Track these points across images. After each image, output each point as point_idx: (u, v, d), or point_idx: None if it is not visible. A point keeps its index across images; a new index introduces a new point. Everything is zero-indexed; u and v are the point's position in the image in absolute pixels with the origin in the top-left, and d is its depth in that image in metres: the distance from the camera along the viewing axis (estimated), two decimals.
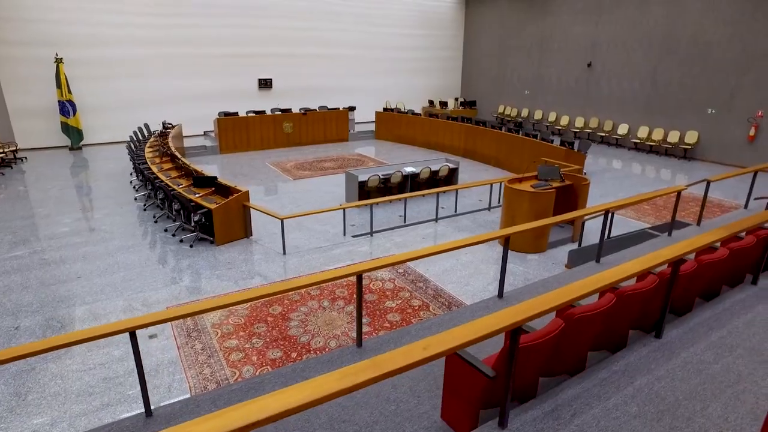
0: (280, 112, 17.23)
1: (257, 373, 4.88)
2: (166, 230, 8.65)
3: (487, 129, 14.97)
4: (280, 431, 2.73)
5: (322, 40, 19.83)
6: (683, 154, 14.98)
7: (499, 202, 10.09)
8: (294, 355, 5.21)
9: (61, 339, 2.68)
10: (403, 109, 19.32)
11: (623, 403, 2.58)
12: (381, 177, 10.97)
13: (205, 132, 18.02)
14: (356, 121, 20.09)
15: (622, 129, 16.59)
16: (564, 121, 18.72)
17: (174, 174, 9.94)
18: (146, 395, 3.07)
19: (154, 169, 10.24)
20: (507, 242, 4.25)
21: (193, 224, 8.07)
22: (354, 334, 5.55)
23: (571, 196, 8.49)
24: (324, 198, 11.20)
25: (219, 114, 16.24)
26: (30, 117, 15.08)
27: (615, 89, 16.85)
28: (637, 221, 9.37)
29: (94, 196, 10.91)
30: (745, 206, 7.39)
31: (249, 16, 17.98)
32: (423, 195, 10.51)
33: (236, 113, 16.43)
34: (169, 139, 12.49)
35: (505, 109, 21.56)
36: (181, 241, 8.18)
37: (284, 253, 7.78)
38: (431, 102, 22.78)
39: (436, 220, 9.47)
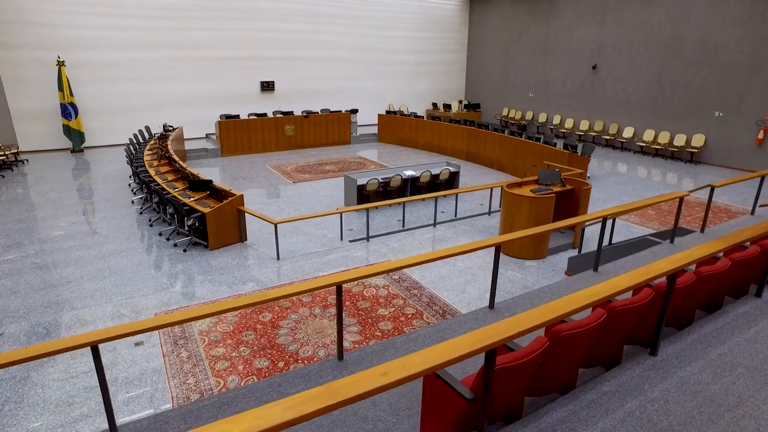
0: (281, 115, 17.16)
1: (242, 384, 4.75)
2: (160, 234, 8.56)
3: (489, 132, 14.79)
4: None
5: (325, 43, 19.76)
6: (690, 157, 14.70)
7: (499, 207, 9.91)
8: (281, 364, 5.07)
9: (16, 354, 2.55)
10: (406, 112, 19.18)
11: (611, 429, 2.41)
12: (380, 181, 10.84)
13: (207, 134, 17.98)
14: (359, 123, 19.99)
15: (628, 132, 16.34)
16: (569, 124, 18.48)
17: (170, 177, 9.86)
18: (110, 412, 2.93)
19: (152, 172, 10.17)
20: (498, 251, 4.08)
21: (186, 228, 7.96)
22: (344, 343, 5.40)
23: (572, 201, 8.29)
24: (323, 202, 11.09)
25: (220, 117, 16.20)
26: (32, 119, 15.11)
27: (620, 92, 16.61)
28: (641, 227, 9.15)
29: (91, 199, 10.86)
30: (752, 212, 7.16)
31: (251, 19, 17.95)
32: (422, 199, 10.38)
33: (237, 116, 16.38)
34: (169, 142, 12.43)
35: (509, 112, 21.36)
36: (175, 245, 8.07)
37: (278, 258, 7.66)
38: (435, 105, 22.63)
39: (435, 225, 9.31)
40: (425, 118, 17.81)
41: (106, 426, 4.02)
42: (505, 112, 21.50)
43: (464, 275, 7.08)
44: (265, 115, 16.98)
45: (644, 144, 15.65)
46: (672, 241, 5.79)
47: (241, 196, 8.23)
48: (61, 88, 14.75)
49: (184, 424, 2.94)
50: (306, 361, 5.11)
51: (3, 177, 12.48)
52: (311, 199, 11.37)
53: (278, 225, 7.95)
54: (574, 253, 7.79)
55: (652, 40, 15.35)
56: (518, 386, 2.50)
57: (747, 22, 13.06)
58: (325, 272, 7.24)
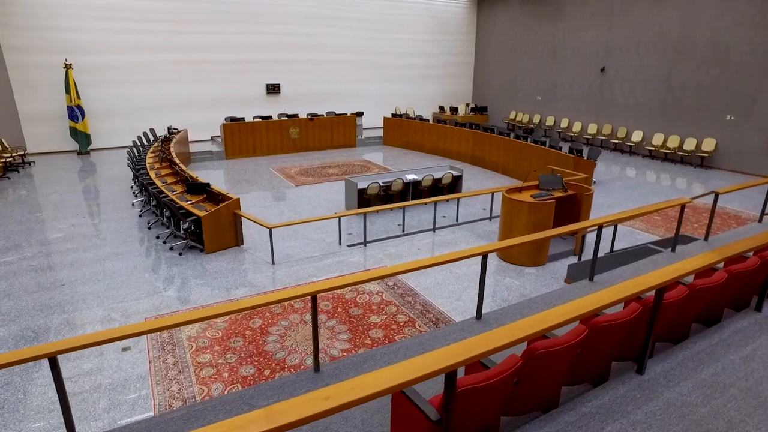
0: (286, 118, 17.14)
1: (225, 392, 4.66)
2: (158, 237, 8.54)
3: (494, 135, 14.62)
4: None
5: (331, 46, 19.74)
6: (700, 162, 14.37)
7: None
8: (267, 372, 4.98)
9: None
10: (412, 115, 19.07)
11: None
12: (381, 184, 10.72)
13: (212, 137, 18.03)
14: (365, 126, 19.92)
15: (636, 136, 16.04)
16: (576, 127, 18.22)
17: (170, 180, 9.85)
18: (71, 424, 2.85)
19: (152, 174, 10.17)
20: (485, 259, 3.94)
21: (182, 232, 7.93)
22: (333, 351, 5.30)
23: (574, 206, 8.10)
24: (324, 205, 11.01)
25: (225, 119, 16.23)
26: (40, 122, 15.28)
27: (629, 95, 16.32)
28: (646, 233, 8.92)
29: (93, 201, 10.90)
30: (759, 220, 6.92)
31: (258, 22, 17.99)
32: (424, 204, 10.24)
33: (242, 118, 16.40)
34: (171, 145, 12.46)
35: (516, 115, 21.13)
36: (172, 248, 8.04)
37: (273, 262, 7.58)
38: (441, 108, 22.47)
39: (434, 230, 9.17)
40: (431, 122, 17.67)
41: None
42: (512, 116, 21.27)
43: (461, 282, 6.93)
44: (270, 117, 16.98)
45: (653, 148, 15.35)
46: (673, 250, 5.59)
47: (238, 200, 8.18)
48: (68, 90, 14.89)
49: None
50: (292, 370, 5.02)
51: (9, 179, 12.61)
52: (313, 203, 11.30)
53: (275, 229, 7.89)
54: (575, 260, 7.60)
55: (661, 42, 15.07)
56: (490, 406, 2.36)
57: (759, 23, 12.73)
58: (319, 278, 7.15)
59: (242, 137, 16.22)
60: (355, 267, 7.55)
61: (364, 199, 10.63)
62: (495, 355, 2.49)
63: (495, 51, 21.98)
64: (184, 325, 3.01)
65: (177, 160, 10.75)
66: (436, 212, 9.27)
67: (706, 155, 14.12)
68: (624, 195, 11.55)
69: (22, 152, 13.95)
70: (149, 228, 9.02)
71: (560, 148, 12.56)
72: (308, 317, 6.00)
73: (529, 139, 13.55)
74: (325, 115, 17.98)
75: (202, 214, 7.75)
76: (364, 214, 8.59)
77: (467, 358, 1.92)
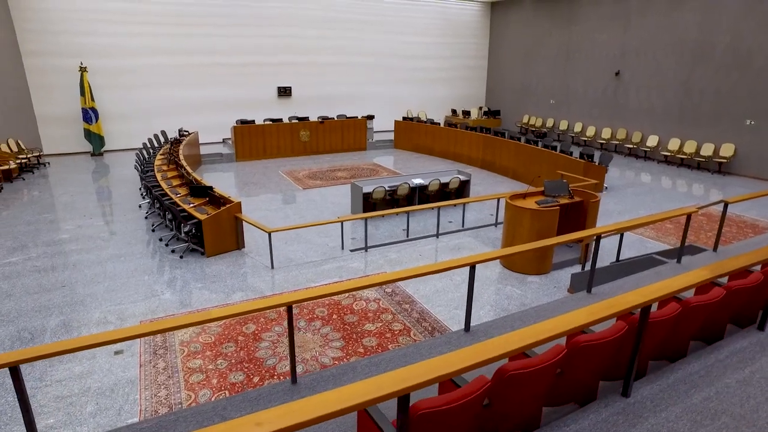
0: (297, 121, 17.18)
1: (212, 399, 4.61)
2: (161, 239, 8.58)
3: (504, 140, 14.41)
4: None
5: (343, 49, 19.76)
6: (718, 168, 13.94)
7: None
8: (256, 379, 4.92)
9: None
10: (424, 119, 18.95)
11: None
12: (387, 189, 10.61)
13: (224, 139, 18.17)
14: (376, 129, 19.88)
15: (652, 141, 15.65)
16: (590, 131, 17.87)
17: (176, 182, 9.91)
18: None
19: (159, 176, 10.26)
20: (473, 270, 3.82)
21: (183, 234, 7.95)
22: (324, 359, 5.22)
23: (580, 213, 7.89)
24: (330, 209, 10.96)
25: (236, 122, 16.34)
26: (56, 124, 15.59)
27: (644, 99, 15.94)
28: (656, 242, 8.65)
29: (101, 203, 11.04)
30: None
31: (270, 25, 18.09)
32: (431, 208, 10.11)
33: (253, 121, 16.48)
34: (180, 147, 12.56)
35: (529, 119, 20.85)
36: (173, 251, 8.07)
37: (272, 267, 7.54)
38: (454, 111, 22.31)
39: (437, 236, 9.04)
40: (441, 125, 17.52)
41: None
42: (525, 120, 21.00)
43: (460, 290, 6.79)
44: (280, 120, 17.04)
45: (669, 153, 14.95)
46: (679, 261, 5.37)
47: (239, 204, 8.17)
48: (83, 93, 15.16)
49: None
50: (281, 378, 4.94)
51: (23, 179, 12.86)
52: (319, 206, 11.26)
53: (278, 233, 7.86)
54: (579, 268, 7.40)
55: (678, 45, 14.69)
56: (458, 428, 2.24)
57: None
58: (317, 283, 7.08)
59: (252, 140, 16.30)
60: (354, 273, 7.47)
61: (369, 204, 10.55)
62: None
63: (508, 54, 21.73)
64: (148, 335, 2.95)
65: (184, 163, 10.82)
66: (439, 218, 9.13)
67: (725, 161, 13.69)
68: (636, 201, 11.24)
69: (38, 153, 14.22)
70: (153, 230, 9.08)
71: (571, 153, 12.31)
72: (302, 323, 5.93)
73: (539, 144, 13.32)
74: (335, 118, 17.98)
75: (203, 217, 7.76)
76: (365, 219, 8.50)
77: (420, 383, 1.81)
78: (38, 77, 15.06)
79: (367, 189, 10.42)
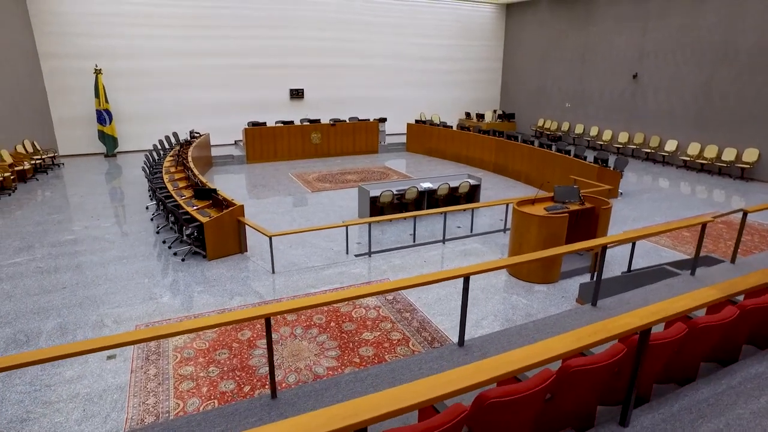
0: (308, 123, 17.13)
1: (200, 409, 4.49)
2: (164, 242, 8.54)
3: (517, 143, 14.12)
4: None
5: (356, 51, 19.67)
6: (740, 173, 13.42)
7: None
8: (247, 389, 4.78)
9: None
10: (437, 122, 18.74)
11: None
12: (395, 192, 10.44)
13: (236, 141, 18.23)
14: (389, 132, 19.74)
15: (670, 145, 15.16)
16: (607, 136, 17.42)
17: (182, 184, 9.90)
18: None
19: (166, 178, 10.27)
20: (467, 282, 3.62)
21: (185, 237, 7.89)
22: (318, 369, 5.06)
23: (591, 220, 7.60)
24: (337, 212, 10.84)
25: (248, 124, 16.36)
26: (71, 125, 15.82)
27: (663, 102, 15.46)
28: (672, 250, 8.29)
29: (110, 204, 11.09)
30: None
31: (282, 27, 18.11)
32: (440, 213, 9.90)
33: (264, 123, 16.48)
34: (190, 149, 12.59)
35: (544, 122, 20.46)
36: (175, 254, 8.02)
37: (273, 271, 7.42)
38: (468, 114, 22.02)
39: (444, 241, 8.82)
40: (454, 128, 17.28)
41: None
42: (540, 123, 20.62)
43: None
44: (291, 122, 17.01)
45: (688, 158, 14.46)
46: (693, 273, 5.08)
47: (242, 207, 8.08)
48: (97, 95, 15.35)
49: None
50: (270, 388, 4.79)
51: (37, 180, 13.03)
52: (326, 210, 11.15)
53: (283, 237, 7.75)
54: (589, 278, 7.11)
55: (699, 46, 14.21)
56: None
57: None
58: (317, 289, 6.94)
59: (263, 142, 16.30)
60: (356, 279, 7.30)
61: (377, 208, 10.39)
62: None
63: (523, 56, 21.39)
64: (125, 346, 2.83)
65: (191, 165, 10.81)
66: (446, 223, 8.92)
67: (748, 166, 13.17)
68: (652, 208, 10.85)
69: (53, 154, 14.42)
70: (158, 232, 9.06)
71: (585, 158, 11.98)
72: (299, 330, 5.79)
73: (553, 148, 13.00)
74: (347, 121, 17.88)
75: (205, 220, 7.69)
76: (369, 223, 8.33)
77: (375, 416, 1.63)
78: (55, 79, 15.30)
79: (374, 193, 10.26)
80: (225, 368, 5.10)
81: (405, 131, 18.84)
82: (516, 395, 2.10)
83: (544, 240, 6.82)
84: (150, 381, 4.90)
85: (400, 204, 10.81)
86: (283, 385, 4.84)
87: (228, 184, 13.69)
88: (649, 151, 15.73)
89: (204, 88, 17.39)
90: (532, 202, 7.61)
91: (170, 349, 5.44)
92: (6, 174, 11.56)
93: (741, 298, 3.67)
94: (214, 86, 17.55)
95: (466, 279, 3.60)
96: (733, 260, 5.41)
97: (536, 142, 13.79)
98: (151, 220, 9.80)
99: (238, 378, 4.94)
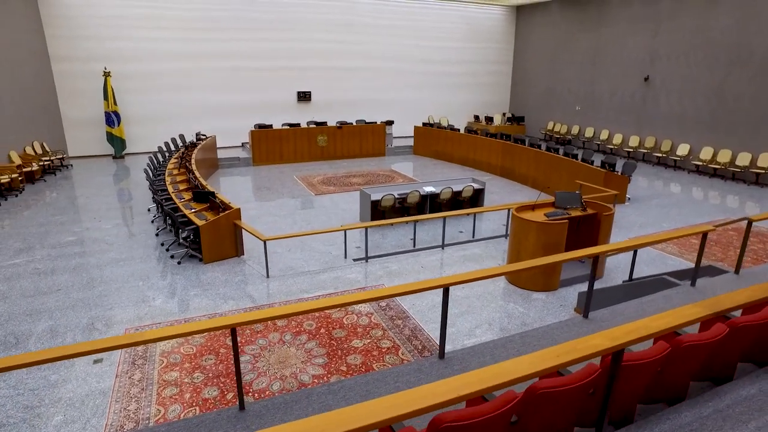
0: (315, 126, 17.11)
1: (181, 416, 4.42)
2: (162, 244, 8.55)
3: (524, 147, 13.91)
4: None
5: (363, 53, 19.62)
6: (755, 179, 13.02)
7: None
8: (230, 396, 4.70)
9: None
10: (445, 124, 18.59)
11: None
12: (396, 196, 10.32)
13: (243, 143, 18.29)
14: (397, 135, 19.65)
15: (682, 149, 14.80)
16: (617, 139, 17.09)
17: (182, 187, 9.91)
18: None
19: (168, 180, 10.29)
20: (446, 293, 3.49)
21: (181, 240, 7.87)
22: (303, 377, 4.96)
23: (593, 227, 7.39)
24: (339, 216, 10.76)
25: (254, 126, 16.39)
26: (80, 127, 16.02)
27: (675, 105, 15.11)
28: (679, 258, 8.03)
29: (114, 205, 11.16)
30: None
31: (290, 30, 18.14)
32: (443, 217, 9.75)
33: (270, 126, 16.50)
34: (195, 151, 12.63)
35: (554, 125, 20.17)
36: (172, 256, 8.00)
37: (267, 276, 7.36)
38: (477, 117, 21.83)
39: (443, 247, 8.68)
40: (461, 131, 17.11)
41: None
42: (550, 126, 20.33)
43: (459, 305, 6.43)
44: (298, 125, 17.00)
45: (701, 163, 14.09)
46: (693, 284, 4.87)
47: (238, 210, 8.04)
48: (106, 97, 15.52)
49: None
50: (257, 395, 4.72)
51: (45, 181, 13.19)
52: (328, 213, 11.08)
53: (277, 241, 7.71)
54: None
55: (712, 48, 13.85)
56: None
57: None
58: (310, 294, 6.85)
59: (270, 144, 16.31)
60: (350, 284, 7.20)
61: (378, 212, 10.28)
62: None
63: (533, 59, 21.13)
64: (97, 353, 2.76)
65: (194, 167, 10.83)
66: (445, 228, 8.77)
67: (763, 172, 12.78)
68: (660, 214, 10.56)
69: (61, 156, 14.59)
70: (157, 234, 9.07)
71: (592, 162, 11.73)
72: (288, 336, 5.70)
73: (560, 151, 12.76)
74: (354, 124, 17.82)
75: (201, 223, 7.66)
76: (365, 228, 8.23)
77: None
78: (65, 81, 15.51)
79: (375, 197, 10.16)
80: (210, 374, 5.03)
81: (412, 134, 18.71)
82: (474, 419, 1.97)
83: (543, 247, 6.64)
84: (134, 386, 4.85)
85: (401, 208, 10.70)
86: (267, 392, 4.76)
87: (233, 186, 13.71)
88: (660, 155, 15.38)
89: (212, 90, 17.49)
90: (533, 207, 7.43)
91: (157, 353, 5.40)
92: (14, 175, 11.71)
93: (739, 312, 3.49)
94: (222, 88, 17.64)
95: (446, 290, 3.47)
96: (737, 271, 5.18)
97: (543, 146, 13.56)
98: (152, 222, 9.82)
99: (222, 385, 4.87)
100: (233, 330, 2.92)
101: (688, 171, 14.66)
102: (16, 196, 11.63)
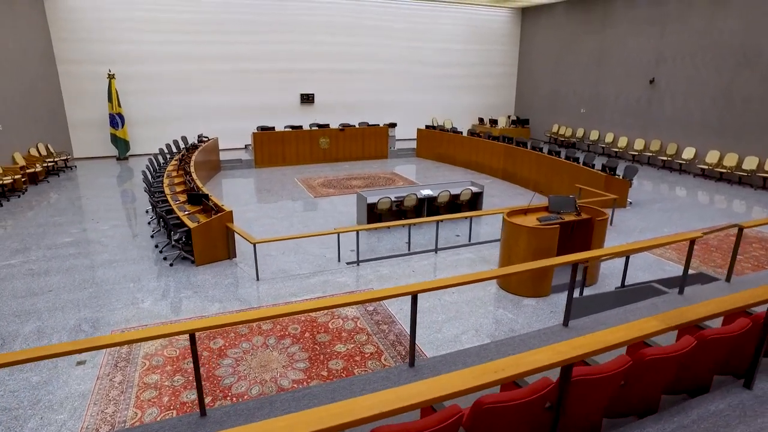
0: (317, 128, 17.12)
1: (158, 419, 4.40)
2: (156, 246, 8.58)
3: (526, 150, 13.77)
4: None
5: (366, 55, 19.61)
6: (762, 183, 12.75)
7: None
8: (208, 400, 4.68)
9: None
10: (449, 127, 18.48)
11: None
12: (393, 199, 10.26)
13: (246, 145, 18.34)
14: (401, 137, 19.56)
15: (688, 153, 14.54)
16: (622, 142, 16.85)
17: (179, 188, 9.95)
18: None
19: (166, 182, 10.35)
20: (414, 301, 3.43)
21: (173, 242, 7.89)
22: (283, 382, 4.93)
23: (588, 232, 7.27)
24: (337, 218, 10.74)
25: (257, 128, 16.45)
26: (85, 128, 16.21)
27: (680, 108, 14.86)
28: (677, 264, 7.85)
29: (113, 207, 11.24)
30: None
31: (293, 32, 18.19)
32: (440, 221, 9.67)
33: (273, 128, 16.53)
34: (195, 153, 12.69)
35: (559, 128, 19.96)
36: (165, 258, 8.03)
37: (257, 278, 7.34)
38: (481, 120, 21.69)
39: (436, 251, 8.60)
40: (464, 134, 17.00)
41: None
42: (555, 129, 20.13)
43: (447, 311, 6.35)
44: (300, 127, 17.02)
45: (706, 167, 13.83)
46: (681, 292, 4.75)
47: (230, 213, 8.04)
48: (110, 99, 15.69)
49: None
50: (234, 399, 4.69)
51: (48, 182, 13.35)
52: (326, 216, 11.06)
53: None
54: (587, 291, 6.78)
55: (720, 50, 13.60)
56: None
57: None
58: (299, 297, 6.82)
59: (272, 146, 16.35)
60: (340, 288, 7.16)
61: (375, 215, 10.24)
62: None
63: (538, 61, 20.95)
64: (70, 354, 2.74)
65: (192, 169, 10.88)
66: (438, 232, 8.71)
67: None
68: (662, 219, 10.37)
69: (65, 157, 14.76)
70: (152, 236, 9.11)
71: (593, 165, 11.57)
72: (272, 340, 5.67)
73: (562, 155, 12.61)
74: (357, 126, 17.80)
75: (193, 225, 7.67)
76: (357, 231, 8.18)
77: None
78: (71, 83, 15.71)
79: (372, 199, 10.12)
80: (191, 378, 5.01)
81: (416, 136, 18.65)
82: None
83: (533, 252, 6.54)
84: (114, 389, 4.85)
85: (398, 211, 10.64)
86: (245, 396, 4.72)
87: (234, 188, 13.76)
88: (665, 158, 15.13)
89: (215, 92, 17.60)
90: (525, 212, 7.33)
91: (140, 356, 5.40)
92: (16, 176, 11.86)
93: (710, 325, 3.38)
94: (225, 90, 17.74)
95: (414, 297, 3.41)
96: (728, 279, 5.04)
97: (545, 149, 13.42)
98: (149, 224, 9.88)
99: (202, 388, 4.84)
100: (192, 336, 2.88)
101: (694, 175, 14.40)
102: (19, 197, 11.78)
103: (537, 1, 19.86)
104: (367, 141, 17.81)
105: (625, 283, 6.45)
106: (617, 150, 16.90)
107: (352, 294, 6.85)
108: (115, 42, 15.87)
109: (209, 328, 2.94)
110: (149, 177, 10.83)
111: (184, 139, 15.36)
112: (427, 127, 18.44)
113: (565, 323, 4.16)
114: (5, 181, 11.38)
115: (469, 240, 9.31)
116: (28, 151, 13.52)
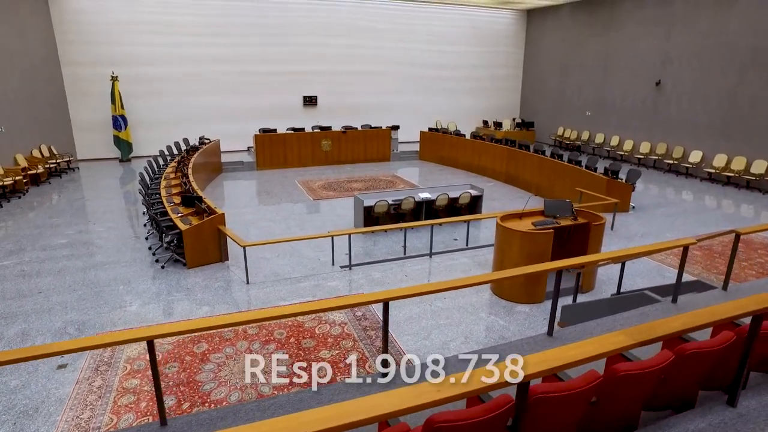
0: (319, 130, 17.06)
1: (134, 424, 4.32)
2: (150, 248, 8.54)
3: (528, 153, 13.60)
4: None
5: (370, 58, 19.55)
6: None
7: None
8: (185, 405, 4.59)
9: None
10: (452, 130, 18.34)
11: None
12: (390, 203, 10.14)
13: (248, 147, 18.33)
14: (404, 140, 19.45)
15: (694, 156, 14.26)
16: (627, 145, 16.59)
17: (175, 190, 9.92)
18: None
19: (164, 184, 10.34)
20: (386, 309, 3.31)
21: (165, 245, 7.84)
22: (263, 389, 4.82)
23: (586, 236, 7.09)
24: (334, 221, 10.66)
25: (259, 130, 16.43)
26: (89, 130, 16.31)
27: (687, 111, 14.58)
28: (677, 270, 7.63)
29: (111, 208, 11.24)
30: None
31: (297, 34, 18.18)
32: (417, 226, 9.55)
33: (275, 130, 16.50)
34: (194, 155, 12.69)
35: (564, 131, 19.72)
36: (157, 261, 7.98)
37: (247, 282, 7.26)
38: (485, 122, 21.50)
39: (431, 255, 8.46)
40: (467, 137, 16.84)
41: None
42: (560, 132, 19.89)
43: (436, 317, 6.21)
44: (303, 129, 16.98)
45: (713, 170, 13.54)
46: (674, 300, 4.57)
47: (222, 215, 7.98)
48: (113, 101, 15.77)
49: None
50: (212, 405, 4.59)
51: (50, 183, 13.42)
52: (324, 218, 10.98)
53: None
54: (580, 298, 6.61)
55: (727, 52, 13.32)
56: None
57: None
58: (287, 301, 6.73)
59: (274, 149, 16.32)
60: (330, 292, 7.05)
61: (372, 218, 10.12)
62: None
63: (544, 63, 20.74)
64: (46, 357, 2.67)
65: (189, 171, 10.85)
66: (432, 236, 8.56)
67: None
68: (665, 224, 10.13)
69: (68, 159, 14.84)
70: (147, 238, 9.08)
71: (595, 169, 11.36)
72: (256, 345, 5.57)
73: (564, 158, 12.42)
74: (359, 128, 17.72)
75: (185, 227, 7.62)
76: (349, 235, 8.08)
77: None
78: (75, 85, 15.82)
79: (368, 203, 10.00)
80: (171, 382, 4.93)
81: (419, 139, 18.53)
82: None
83: (526, 257, 6.38)
84: (92, 393, 4.78)
85: (396, 214, 10.51)
86: (224, 402, 4.63)
87: (234, 190, 13.74)
88: (671, 162, 14.85)
89: (218, 94, 17.63)
90: (520, 216, 7.18)
91: (122, 359, 5.33)
92: (18, 177, 11.92)
93: (699, 336, 3.22)
94: (228, 92, 17.77)
95: (386, 304, 3.29)
96: (725, 287, 4.85)
97: (548, 152, 13.23)
98: (144, 226, 9.86)
99: (180, 394, 4.76)
100: (150, 342, 2.79)
101: (701, 179, 14.11)
102: (19, 198, 11.84)
103: (542, 3, 19.67)
104: (370, 143, 17.72)
105: (623, 290, 6.26)
106: (622, 153, 16.64)
107: (321, 301, 6.73)
108: (119, 44, 15.97)
109: (168, 335, 2.85)
110: (146, 179, 10.82)
111: (185, 141, 15.38)
112: (430, 129, 18.31)
113: (550, 333, 4.01)
114: (6, 183, 11.44)
115: (467, 244, 9.16)
116: (31, 153, 13.61)
